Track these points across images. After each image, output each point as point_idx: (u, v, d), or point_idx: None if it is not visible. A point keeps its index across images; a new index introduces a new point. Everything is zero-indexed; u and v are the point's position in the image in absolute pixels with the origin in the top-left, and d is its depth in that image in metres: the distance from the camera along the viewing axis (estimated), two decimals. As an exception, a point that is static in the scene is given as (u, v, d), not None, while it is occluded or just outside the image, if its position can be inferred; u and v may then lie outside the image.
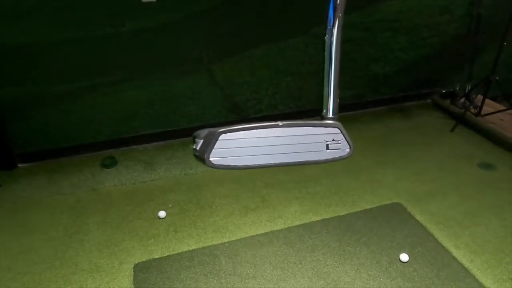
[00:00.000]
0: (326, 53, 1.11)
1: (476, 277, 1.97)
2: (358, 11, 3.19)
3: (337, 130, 1.10)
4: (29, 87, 2.71)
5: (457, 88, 3.74)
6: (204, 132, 1.15)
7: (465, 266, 2.04)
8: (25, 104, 2.77)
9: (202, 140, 1.00)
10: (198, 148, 1.03)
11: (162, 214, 2.42)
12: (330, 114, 1.10)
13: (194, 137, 1.12)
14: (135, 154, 3.10)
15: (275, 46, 3.11)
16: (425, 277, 1.97)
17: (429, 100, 3.90)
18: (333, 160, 1.12)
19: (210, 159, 0.97)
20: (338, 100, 1.14)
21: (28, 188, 2.71)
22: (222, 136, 0.96)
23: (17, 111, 2.78)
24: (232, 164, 1.00)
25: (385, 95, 3.74)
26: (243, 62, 3.09)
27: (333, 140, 1.08)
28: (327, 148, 1.08)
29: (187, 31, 2.84)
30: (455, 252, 2.12)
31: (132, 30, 2.71)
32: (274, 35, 3.08)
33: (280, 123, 1.05)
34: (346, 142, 1.11)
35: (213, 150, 0.96)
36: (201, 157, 1.00)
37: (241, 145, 1.00)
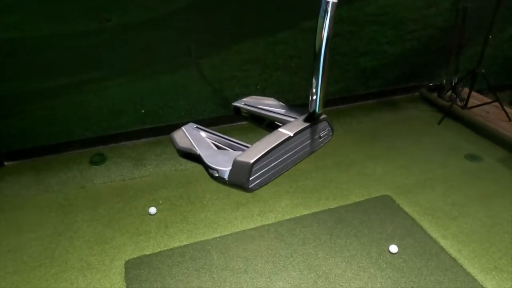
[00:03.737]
0: (316, 51, 1.19)
1: (464, 267, 2.01)
2: (346, 5, 3.20)
3: (325, 123, 1.34)
4: (14, 83, 2.66)
5: (444, 81, 3.79)
6: (185, 139, 1.23)
7: (453, 256, 2.08)
8: (10, 101, 2.71)
9: (229, 169, 1.12)
10: (225, 177, 1.16)
11: (152, 210, 2.41)
12: (319, 110, 1.28)
13: (185, 152, 1.19)
14: (124, 150, 3.07)
15: (264, 40, 3.10)
16: (414, 268, 2.01)
17: (417, 93, 3.94)
18: (324, 145, 1.38)
19: (250, 186, 1.14)
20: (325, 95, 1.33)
21: (16, 187, 2.67)
22: (254, 166, 1.11)
23: (2, 108, 2.72)
24: (264, 182, 1.19)
25: (374, 88, 3.76)
26: (232, 56, 3.08)
27: (323, 131, 1.34)
28: (320, 138, 1.34)
29: (175, 26, 2.81)
30: (443, 243, 2.16)
31: (118, 25, 2.67)
32: (262, 29, 3.07)
33: (291, 134, 1.22)
34: (330, 128, 1.38)
35: (250, 179, 1.13)
36: (240, 186, 1.14)
37: (268, 165, 1.18)
